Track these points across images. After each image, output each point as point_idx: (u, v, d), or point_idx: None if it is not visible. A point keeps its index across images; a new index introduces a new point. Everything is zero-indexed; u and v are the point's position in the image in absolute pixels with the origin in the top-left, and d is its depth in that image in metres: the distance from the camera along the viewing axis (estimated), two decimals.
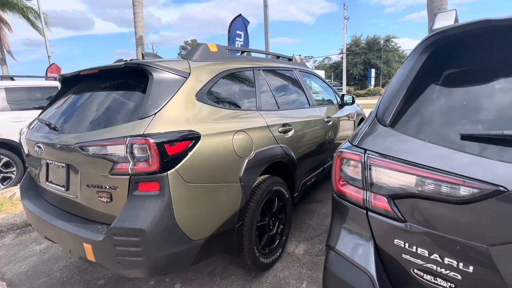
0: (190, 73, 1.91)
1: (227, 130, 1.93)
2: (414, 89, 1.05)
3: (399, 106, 1.05)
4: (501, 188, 0.73)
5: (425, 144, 0.90)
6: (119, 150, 1.53)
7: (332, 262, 1.10)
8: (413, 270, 0.92)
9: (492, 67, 0.99)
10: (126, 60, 2.19)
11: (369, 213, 1.00)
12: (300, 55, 54.71)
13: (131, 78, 1.92)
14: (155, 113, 1.62)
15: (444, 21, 1.36)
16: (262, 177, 2.30)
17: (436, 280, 0.88)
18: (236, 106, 2.22)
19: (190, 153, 1.65)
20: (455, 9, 1.54)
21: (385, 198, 0.95)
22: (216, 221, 1.82)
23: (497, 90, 0.93)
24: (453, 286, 0.84)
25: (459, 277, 0.82)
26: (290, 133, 2.59)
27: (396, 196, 0.92)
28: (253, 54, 3.14)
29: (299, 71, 3.36)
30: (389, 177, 0.93)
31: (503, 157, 0.77)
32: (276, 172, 2.48)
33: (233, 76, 2.29)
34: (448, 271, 0.84)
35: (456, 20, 1.42)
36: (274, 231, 2.47)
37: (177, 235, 1.59)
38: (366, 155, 0.99)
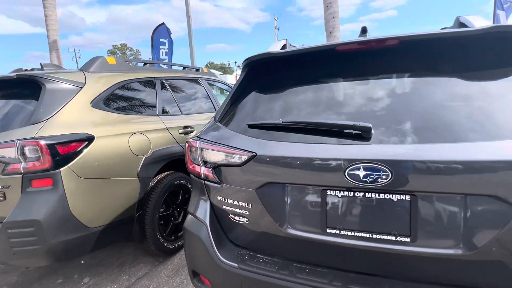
0: (85, 83, 2.17)
1: (123, 132, 2.23)
2: (236, 97, 1.55)
3: (226, 109, 1.54)
4: (254, 153, 1.24)
5: (230, 132, 1.40)
6: (10, 153, 1.72)
7: (188, 222, 1.53)
8: (229, 215, 1.40)
9: (275, 82, 1.54)
10: (26, 70, 2.33)
11: (205, 181, 1.46)
12: (235, 62, 56.09)
13: (26, 87, 2.08)
14: (47, 119, 1.85)
15: (274, 47, 1.93)
16: (165, 173, 2.65)
17: (240, 218, 1.36)
18: (135, 111, 2.53)
19: (83, 152, 1.92)
20: (286, 39, 2.13)
21: (211, 170, 1.41)
22: (114, 210, 2.11)
23: (273, 98, 1.48)
24: (247, 219, 1.34)
25: (247, 212, 1.32)
26: (192, 134, 2.98)
27: (215, 167, 1.39)
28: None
29: (206, 80, 3.80)
30: (211, 154, 1.40)
31: (259, 136, 1.30)
32: (181, 168, 2.84)
33: (132, 85, 2.60)
34: (242, 210, 1.33)
35: (284, 47, 2.00)
36: (180, 220, 2.83)
37: (72, 223, 1.84)
38: (200, 141, 1.45)
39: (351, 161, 1.06)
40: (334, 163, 1.10)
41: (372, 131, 1.08)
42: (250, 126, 1.35)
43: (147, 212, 2.39)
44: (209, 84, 3.83)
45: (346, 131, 1.13)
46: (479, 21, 1.46)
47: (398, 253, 1.08)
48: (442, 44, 1.23)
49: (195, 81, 3.61)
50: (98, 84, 2.26)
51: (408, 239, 1.06)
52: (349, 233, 1.14)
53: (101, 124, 2.13)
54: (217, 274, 1.37)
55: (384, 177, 1.02)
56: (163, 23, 8.26)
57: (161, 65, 4.26)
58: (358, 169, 1.05)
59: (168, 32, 8.50)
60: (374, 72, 1.30)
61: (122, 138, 2.21)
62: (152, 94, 2.80)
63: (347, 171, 1.06)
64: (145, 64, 3.14)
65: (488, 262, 1.00)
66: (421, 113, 1.12)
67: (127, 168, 2.21)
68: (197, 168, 1.48)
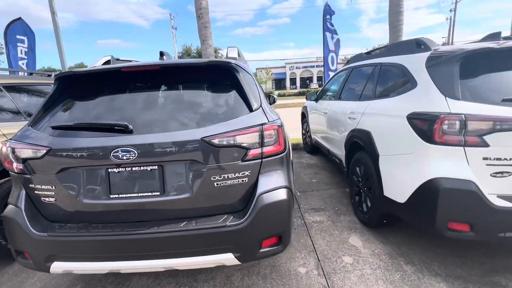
0: None
1: None
2: (48, 105, 1.93)
3: (38, 115, 1.90)
4: (50, 148, 1.68)
5: (37, 133, 1.78)
6: None
7: (6, 210, 1.81)
8: (41, 198, 1.78)
9: (78, 93, 2.00)
10: None
11: (19, 175, 1.79)
12: (131, 60, 52.14)
13: None
14: None
15: (96, 63, 2.37)
16: (5, 179, 2.71)
17: (49, 199, 1.77)
18: None
19: None
20: (111, 55, 2.58)
21: (21, 164, 1.76)
22: None
23: (75, 105, 1.94)
24: (54, 199, 1.76)
25: (53, 193, 1.74)
26: None
27: (24, 161, 1.75)
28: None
29: None
30: (20, 152, 1.75)
31: (58, 134, 1.74)
32: None
33: None
34: (49, 192, 1.74)
35: (108, 62, 2.45)
36: None
37: None
38: (10, 142, 1.78)
39: (113, 147, 1.62)
40: (105, 149, 1.65)
41: (130, 127, 1.68)
42: (53, 128, 1.78)
43: None
44: None
45: (116, 127, 1.69)
46: (230, 52, 2.29)
47: (155, 204, 1.71)
48: (183, 69, 1.94)
49: (47, 86, 3.65)
50: None
51: (159, 193, 1.70)
52: (125, 195, 1.71)
53: None
54: (33, 246, 1.74)
55: (133, 155, 1.62)
56: (19, 18, 7.34)
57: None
58: (118, 151, 1.62)
59: (28, 28, 7.61)
60: (143, 86, 1.93)
61: None
62: None
63: (111, 154, 1.62)
64: None
65: (201, 199, 1.72)
66: (159, 114, 1.78)
67: None
68: (11, 165, 1.80)
